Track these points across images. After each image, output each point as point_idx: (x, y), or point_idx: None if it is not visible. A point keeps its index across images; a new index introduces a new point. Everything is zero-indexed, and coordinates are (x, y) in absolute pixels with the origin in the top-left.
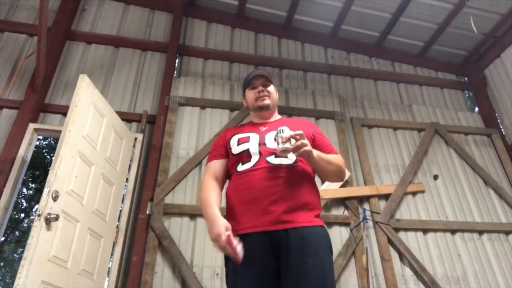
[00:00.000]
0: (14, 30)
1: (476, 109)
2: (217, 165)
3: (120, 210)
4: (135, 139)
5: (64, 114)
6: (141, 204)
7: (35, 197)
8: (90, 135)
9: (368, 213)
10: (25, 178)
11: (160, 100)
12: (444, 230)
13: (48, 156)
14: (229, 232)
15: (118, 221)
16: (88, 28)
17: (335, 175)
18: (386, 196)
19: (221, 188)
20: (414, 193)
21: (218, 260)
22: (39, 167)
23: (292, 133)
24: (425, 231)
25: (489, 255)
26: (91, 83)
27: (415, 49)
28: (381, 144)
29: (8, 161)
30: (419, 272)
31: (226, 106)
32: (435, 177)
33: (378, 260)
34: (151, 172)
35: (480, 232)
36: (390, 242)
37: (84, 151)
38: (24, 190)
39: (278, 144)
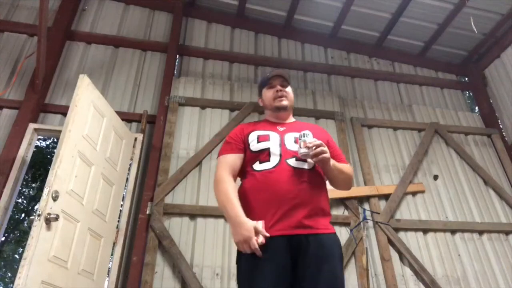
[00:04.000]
0: (14, 30)
1: (476, 109)
2: (234, 159)
3: (120, 210)
4: (135, 139)
5: (64, 114)
6: (141, 204)
7: (36, 196)
8: (90, 135)
9: (368, 213)
10: (26, 177)
11: (160, 100)
12: (444, 230)
13: (48, 156)
14: (261, 239)
15: (118, 221)
16: (88, 28)
17: (345, 183)
18: (386, 196)
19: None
20: (414, 193)
21: (218, 260)
22: (40, 166)
23: (314, 141)
24: (425, 231)
25: (489, 255)
26: (91, 83)
27: (415, 49)
28: (381, 144)
29: (8, 161)
30: (419, 272)
31: (226, 106)
32: (435, 177)
33: (378, 260)
34: (151, 172)
35: (480, 232)
36: (390, 242)
37: (84, 151)
38: (25, 189)
39: (300, 147)
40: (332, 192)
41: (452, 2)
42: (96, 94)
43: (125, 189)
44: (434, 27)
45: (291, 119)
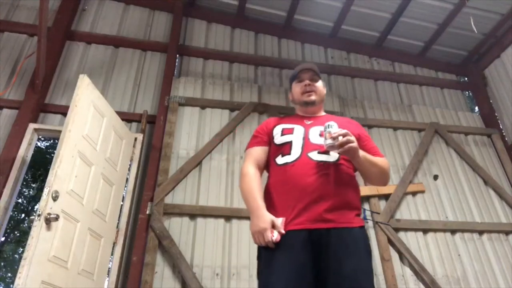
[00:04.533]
0: (14, 30)
1: (476, 109)
2: (259, 152)
3: (120, 210)
4: (135, 139)
5: (64, 114)
6: (141, 204)
7: (36, 196)
8: (90, 135)
9: (368, 213)
10: (26, 177)
11: (160, 100)
12: (444, 230)
13: (48, 156)
14: (277, 235)
15: (118, 221)
16: (88, 28)
17: (379, 178)
18: (386, 196)
19: (261, 175)
20: (414, 193)
21: (218, 260)
22: (40, 166)
23: (339, 131)
24: (425, 231)
25: (489, 255)
26: (91, 83)
27: (415, 49)
28: (381, 144)
29: (8, 161)
30: (419, 272)
31: (226, 106)
32: (435, 177)
33: (378, 260)
34: (151, 172)
35: (480, 232)
36: (390, 242)
37: (84, 151)
38: (25, 189)
39: (325, 139)
40: None
41: (452, 2)
42: (96, 94)
43: (125, 189)
44: (434, 27)
45: (322, 112)
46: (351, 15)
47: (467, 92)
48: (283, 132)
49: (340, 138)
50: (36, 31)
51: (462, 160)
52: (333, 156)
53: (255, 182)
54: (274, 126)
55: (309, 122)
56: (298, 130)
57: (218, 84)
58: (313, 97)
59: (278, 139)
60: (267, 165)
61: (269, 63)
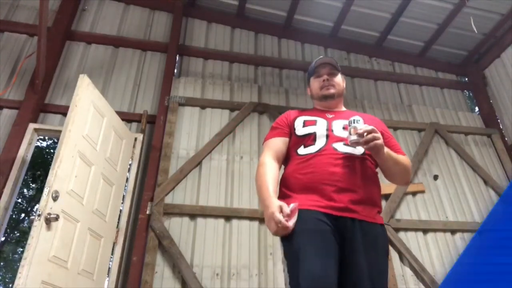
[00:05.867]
0: (14, 30)
1: (476, 109)
2: (278, 143)
3: (120, 210)
4: (135, 139)
5: (64, 114)
6: (141, 204)
7: (36, 197)
8: (90, 135)
9: None
10: (26, 177)
11: (160, 100)
12: (444, 230)
13: (48, 156)
14: (284, 213)
15: (118, 221)
16: (88, 28)
17: (401, 176)
18: (386, 196)
19: (279, 168)
20: (414, 193)
21: (218, 260)
22: (40, 167)
23: (365, 127)
24: (425, 231)
25: None
26: (91, 83)
27: (415, 49)
28: None
29: (8, 161)
30: (419, 272)
31: (226, 106)
32: (435, 177)
33: None
34: (151, 172)
35: None
36: (390, 242)
37: (84, 151)
38: (25, 190)
39: (350, 134)
40: None
41: (452, 2)
42: (96, 94)
43: (125, 189)
44: (434, 27)
45: (342, 107)
46: (351, 15)
47: (467, 92)
48: (305, 124)
49: (366, 134)
50: (36, 31)
51: (462, 160)
52: (359, 149)
53: (270, 173)
54: (295, 118)
55: (331, 116)
56: (321, 122)
57: (218, 84)
58: (332, 90)
59: (300, 130)
60: (286, 157)
61: (269, 63)
